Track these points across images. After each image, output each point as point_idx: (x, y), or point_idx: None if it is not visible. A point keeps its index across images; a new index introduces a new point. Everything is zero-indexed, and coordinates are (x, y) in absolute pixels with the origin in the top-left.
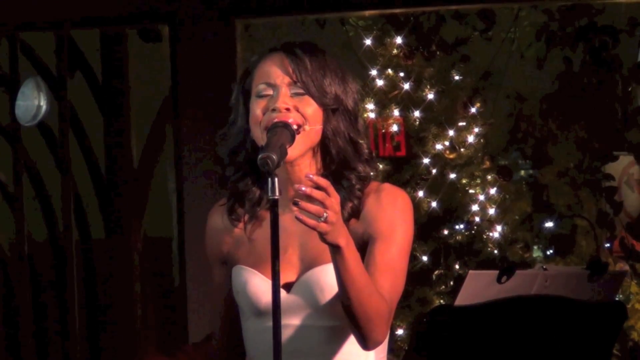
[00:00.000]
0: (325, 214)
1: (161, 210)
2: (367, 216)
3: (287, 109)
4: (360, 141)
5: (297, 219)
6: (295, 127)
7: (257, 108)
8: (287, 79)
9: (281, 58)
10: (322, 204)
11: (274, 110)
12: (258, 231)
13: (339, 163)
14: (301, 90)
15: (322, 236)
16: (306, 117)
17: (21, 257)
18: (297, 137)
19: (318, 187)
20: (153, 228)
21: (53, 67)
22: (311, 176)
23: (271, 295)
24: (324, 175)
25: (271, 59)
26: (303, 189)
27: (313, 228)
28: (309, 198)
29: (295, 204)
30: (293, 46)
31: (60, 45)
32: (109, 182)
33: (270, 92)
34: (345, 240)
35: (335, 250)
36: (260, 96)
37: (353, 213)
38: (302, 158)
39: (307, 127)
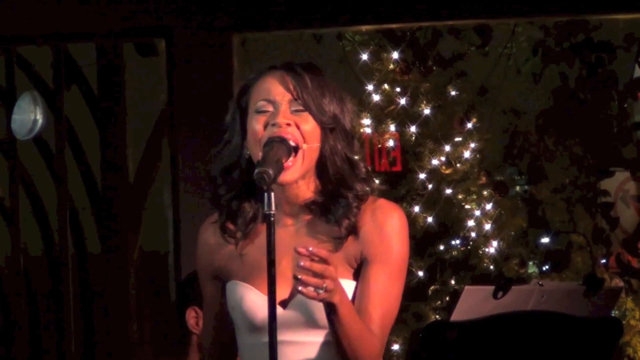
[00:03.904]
0: (324, 284)
1: (157, 225)
2: (363, 236)
3: (288, 124)
4: (357, 160)
5: (298, 291)
6: (293, 144)
7: (257, 124)
8: (287, 96)
9: (282, 75)
10: (321, 275)
11: (274, 125)
12: (250, 247)
13: (336, 182)
14: (301, 108)
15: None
16: (304, 135)
17: (17, 271)
18: (296, 159)
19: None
20: (149, 242)
21: (49, 81)
22: (311, 249)
23: (267, 311)
24: (321, 195)
25: (271, 76)
26: (302, 264)
27: (313, 298)
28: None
29: (296, 278)
30: (293, 65)
31: (57, 59)
32: (105, 196)
33: (271, 108)
34: (339, 297)
35: (330, 307)
36: (259, 112)
37: (351, 230)
38: (300, 179)
39: (304, 146)
